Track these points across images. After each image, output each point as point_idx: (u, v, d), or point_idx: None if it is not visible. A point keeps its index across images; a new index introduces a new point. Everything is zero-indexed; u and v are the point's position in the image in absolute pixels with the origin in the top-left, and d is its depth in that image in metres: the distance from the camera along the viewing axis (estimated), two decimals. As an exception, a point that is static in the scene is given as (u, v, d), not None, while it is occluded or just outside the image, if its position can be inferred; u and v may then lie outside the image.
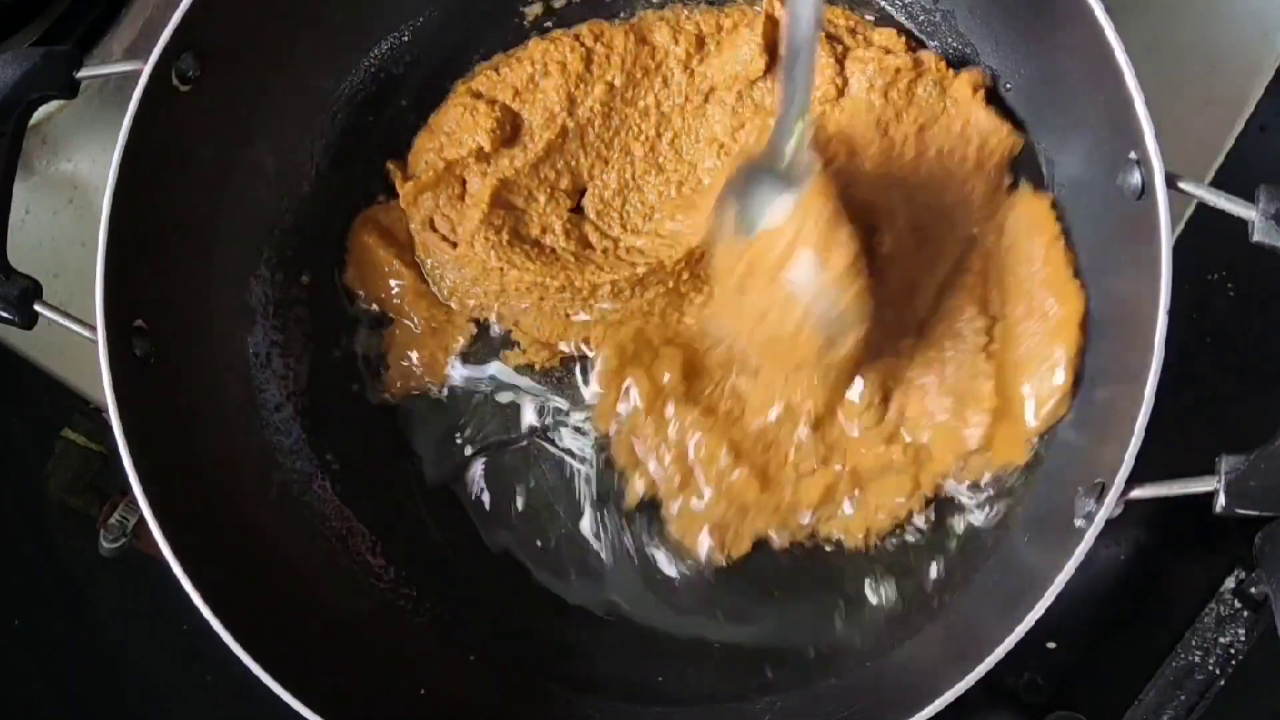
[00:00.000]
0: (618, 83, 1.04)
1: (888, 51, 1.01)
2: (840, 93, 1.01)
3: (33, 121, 0.96)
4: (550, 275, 1.02)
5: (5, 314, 0.89)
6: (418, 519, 1.05)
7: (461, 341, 1.06)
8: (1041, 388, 0.97)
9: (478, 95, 1.06)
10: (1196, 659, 1.02)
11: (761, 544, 1.02)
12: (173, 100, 0.92)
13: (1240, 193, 0.83)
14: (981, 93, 1.01)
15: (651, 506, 1.02)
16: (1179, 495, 0.83)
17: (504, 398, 1.05)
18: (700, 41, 1.04)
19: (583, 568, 1.04)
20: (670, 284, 1.03)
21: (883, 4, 1.05)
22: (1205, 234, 1.03)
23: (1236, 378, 1.15)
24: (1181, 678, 1.02)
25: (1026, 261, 0.99)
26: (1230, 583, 1.03)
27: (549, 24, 1.08)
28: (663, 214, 1.06)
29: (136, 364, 0.91)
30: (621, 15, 1.08)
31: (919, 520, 1.01)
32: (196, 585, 0.85)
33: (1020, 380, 0.98)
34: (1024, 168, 1.02)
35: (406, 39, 1.09)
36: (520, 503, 1.05)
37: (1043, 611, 0.82)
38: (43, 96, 0.92)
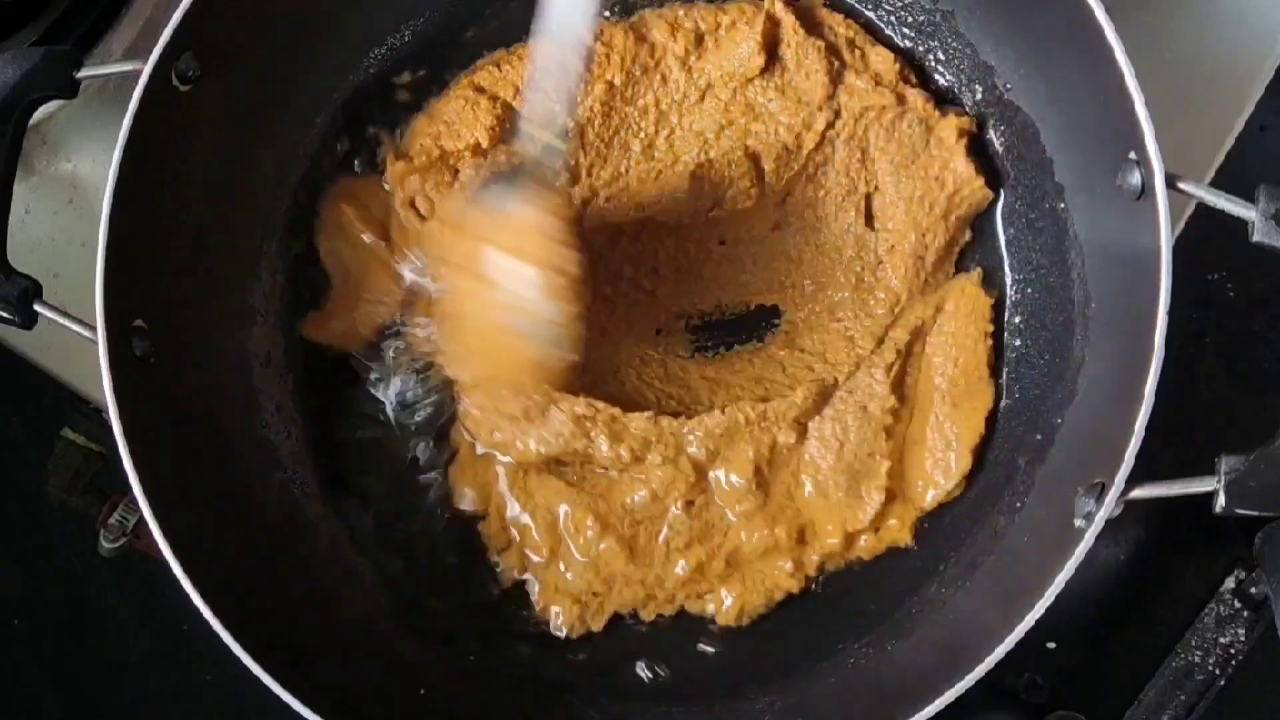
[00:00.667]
0: (617, 81, 1.04)
1: (878, 83, 1.01)
2: (830, 124, 1.02)
3: (33, 121, 0.96)
4: None
5: (5, 314, 0.89)
6: (418, 519, 1.05)
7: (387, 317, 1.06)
8: (939, 473, 1.00)
9: (480, 90, 1.05)
10: (1196, 659, 1.02)
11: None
12: (173, 100, 0.92)
13: (1240, 193, 0.83)
14: (965, 140, 1.01)
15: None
16: (1179, 495, 0.83)
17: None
18: (699, 39, 1.04)
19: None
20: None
21: (883, 6, 1.05)
22: (1205, 234, 1.03)
23: (1236, 378, 1.15)
24: (1181, 678, 1.02)
25: (954, 348, 1.01)
26: (1230, 583, 1.03)
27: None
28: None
29: (136, 364, 0.91)
30: (617, 11, 1.08)
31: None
32: (196, 585, 0.85)
33: (918, 463, 1.01)
34: (987, 257, 1.04)
35: (407, 38, 1.09)
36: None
37: (1043, 611, 0.82)
38: (43, 96, 0.92)
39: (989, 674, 0.83)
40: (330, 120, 1.07)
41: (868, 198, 1.03)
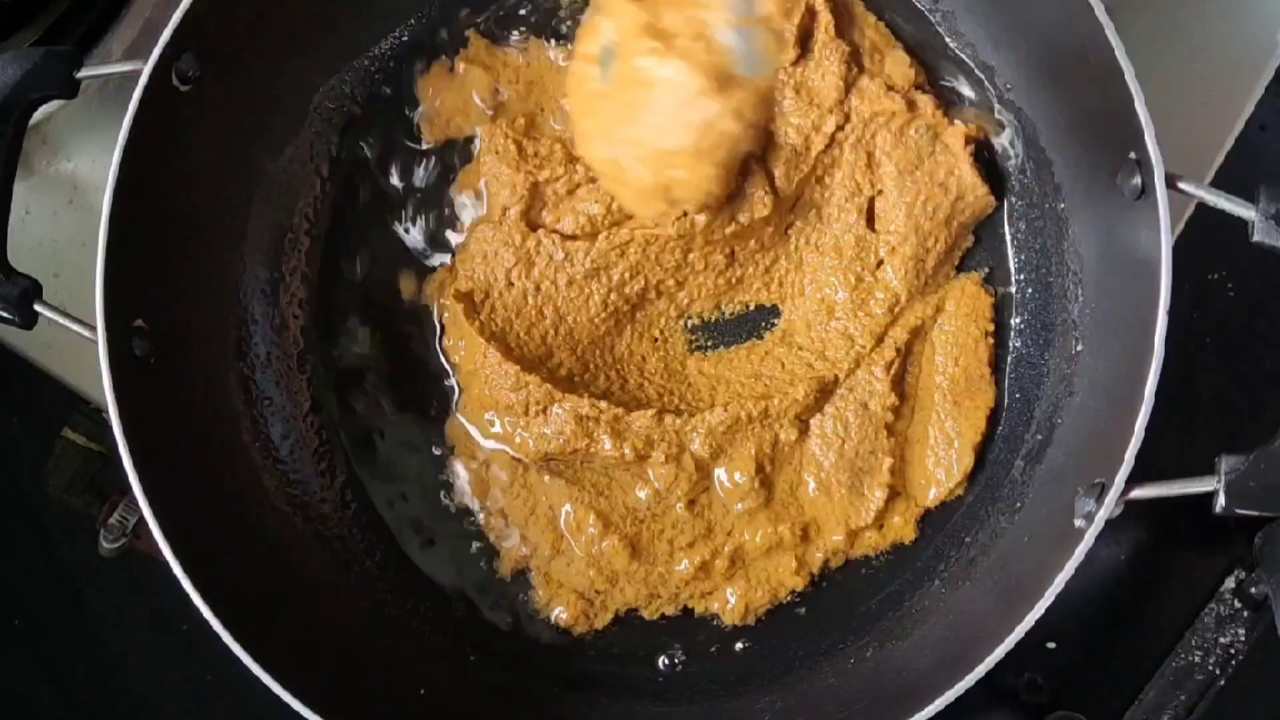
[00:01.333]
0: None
1: (890, 88, 1.01)
2: (840, 127, 1.01)
3: (33, 121, 0.96)
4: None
5: (5, 314, 0.89)
6: (419, 514, 1.05)
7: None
8: (941, 471, 1.01)
9: None
10: (1196, 659, 1.02)
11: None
12: (173, 100, 0.92)
13: (1240, 193, 0.83)
14: (971, 147, 1.01)
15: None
16: (1179, 495, 0.83)
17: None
18: None
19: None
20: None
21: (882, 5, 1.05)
22: (1205, 234, 1.03)
23: (1236, 378, 1.15)
24: (1181, 678, 1.02)
25: (954, 347, 1.02)
26: (1230, 583, 1.03)
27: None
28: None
29: (137, 364, 0.91)
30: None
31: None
32: (196, 585, 0.85)
33: (920, 461, 1.02)
34: (988, 258, 1.04)
35: (405, 39, 1.09)
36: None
37: (1043, 611, 0.82)
38: (43, 97, 0.92)
39: (989, 674, 0.83)
40: (330, 118, 1.07)
41: (871, 200, 1.03)
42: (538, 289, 1.02)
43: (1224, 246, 1.11)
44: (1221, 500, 0.80)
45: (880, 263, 1.03)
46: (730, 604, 1.01)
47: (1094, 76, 0.87)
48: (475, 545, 1.04)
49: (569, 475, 1.02)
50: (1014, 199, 1.04)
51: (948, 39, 1.04)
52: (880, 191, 1.02)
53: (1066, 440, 0.96)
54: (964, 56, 1.04)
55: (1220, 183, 1.05)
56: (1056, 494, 0.92)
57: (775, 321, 1.06)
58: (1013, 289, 1.04)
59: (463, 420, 1.04)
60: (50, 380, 1.13)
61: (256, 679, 0.84)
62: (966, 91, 1.04)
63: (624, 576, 1.01)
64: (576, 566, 1.02)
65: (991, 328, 1.02)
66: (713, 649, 1.03)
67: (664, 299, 1.04)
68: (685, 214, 0.98)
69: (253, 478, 1.01)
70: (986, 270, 1.04)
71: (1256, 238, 0.82)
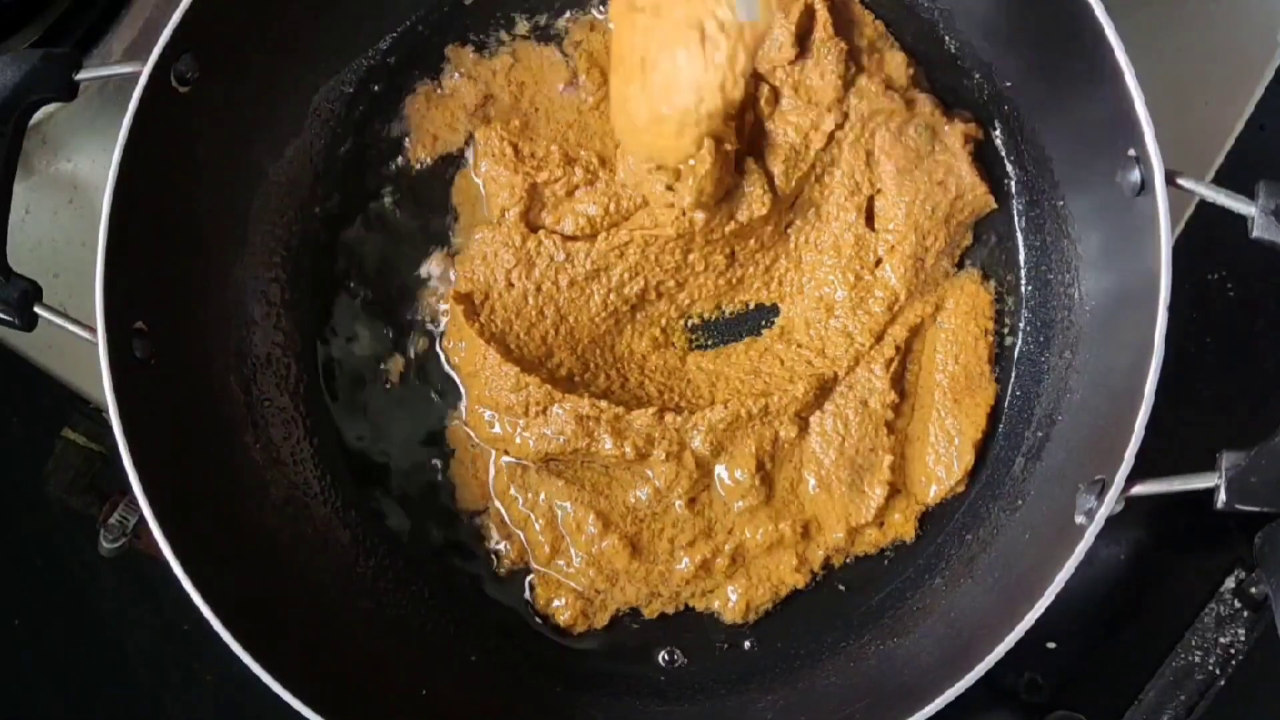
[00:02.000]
0: None
1: (889, 86, 1.02)
2: (839, 126, 1.01)
3: (33, 121, 0.96)
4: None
5: (5, 317, 0.89)
6: (420, 514, 1.05)
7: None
8: (942, 468, 1.01)
9: None
10: (1196, 659, 1.02)
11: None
12: (172, 102, 0.92)
13: (1241, 192, 0.84)
14: (970, 146, 1.02)
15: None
16: (1180, 492, 0.82)
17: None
18: None
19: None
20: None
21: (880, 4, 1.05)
22: (1205, 235, 1.03)
23: (1236, 377, 1.15)
24: (1181, 678, 1.02)
25: (954, 345, 1.02)
26: (1230, 583, 1.03)
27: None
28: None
29: (137, 365, 0.91)
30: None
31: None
32: (197, 585, 0.85)
33: (920, 458, 1.02)
34: (984, 255, 1.04)
35: (403, 40, 1.08)
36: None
37: (1043, 610, 0.82)
38: (42, 99, 0.92)
39: (989, 674, 0.83)
40: (329, 120, 1.07)
41: (870, 199, 1.03)
42: (538, 289, 1.02)
43: (1224, 246, 1.11)
44: (1222, 496, 0.80)
45: (879, 261, 1.03)
46: (731, 602, 1.02)
47: (1093, 74, 0.87)
48: (476, 546, 1.04)
49: (569, 475, 1.02)
50: (1013, 197, 1.04)
51: (946, 37, 1.04)
52: (879, 190, 1.02)
53: (1067, 437, 0.96)
54: (962, 54, 1.04)
55: (1220, 182, 1.04)
56: (1057, 491, 0.92)
57: (774, 319, 1.06)
58: (1013, 287, 1.04)
59: (463, 421, 1.04)
60: (50, 380, 1.13)
61: (256, 679, 0.84)
62: (965, 89, 1.04)
63: (624, 575, 1.01)
64: (576, 566, 1.02)
65: (991, 325, 1.03)
66: (714, 647, 1.03)
67: (664, 299, 1.04)
68: (684, 213, 0.98)
69: (254, 478, 1.00)
70: (984, 269, 1.04)
71: (1256, 234, 0.82)
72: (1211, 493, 0.80)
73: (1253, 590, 1.02)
